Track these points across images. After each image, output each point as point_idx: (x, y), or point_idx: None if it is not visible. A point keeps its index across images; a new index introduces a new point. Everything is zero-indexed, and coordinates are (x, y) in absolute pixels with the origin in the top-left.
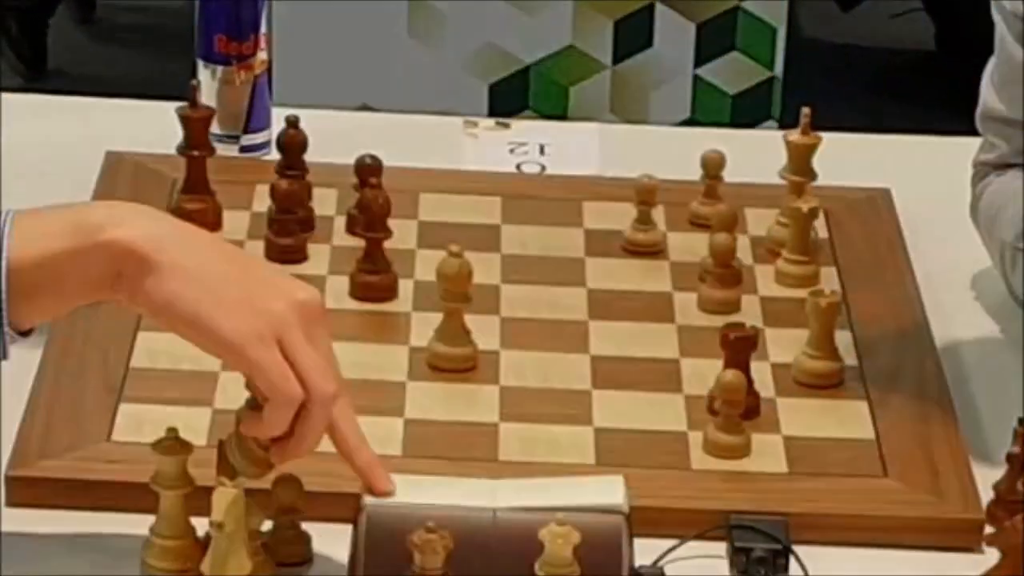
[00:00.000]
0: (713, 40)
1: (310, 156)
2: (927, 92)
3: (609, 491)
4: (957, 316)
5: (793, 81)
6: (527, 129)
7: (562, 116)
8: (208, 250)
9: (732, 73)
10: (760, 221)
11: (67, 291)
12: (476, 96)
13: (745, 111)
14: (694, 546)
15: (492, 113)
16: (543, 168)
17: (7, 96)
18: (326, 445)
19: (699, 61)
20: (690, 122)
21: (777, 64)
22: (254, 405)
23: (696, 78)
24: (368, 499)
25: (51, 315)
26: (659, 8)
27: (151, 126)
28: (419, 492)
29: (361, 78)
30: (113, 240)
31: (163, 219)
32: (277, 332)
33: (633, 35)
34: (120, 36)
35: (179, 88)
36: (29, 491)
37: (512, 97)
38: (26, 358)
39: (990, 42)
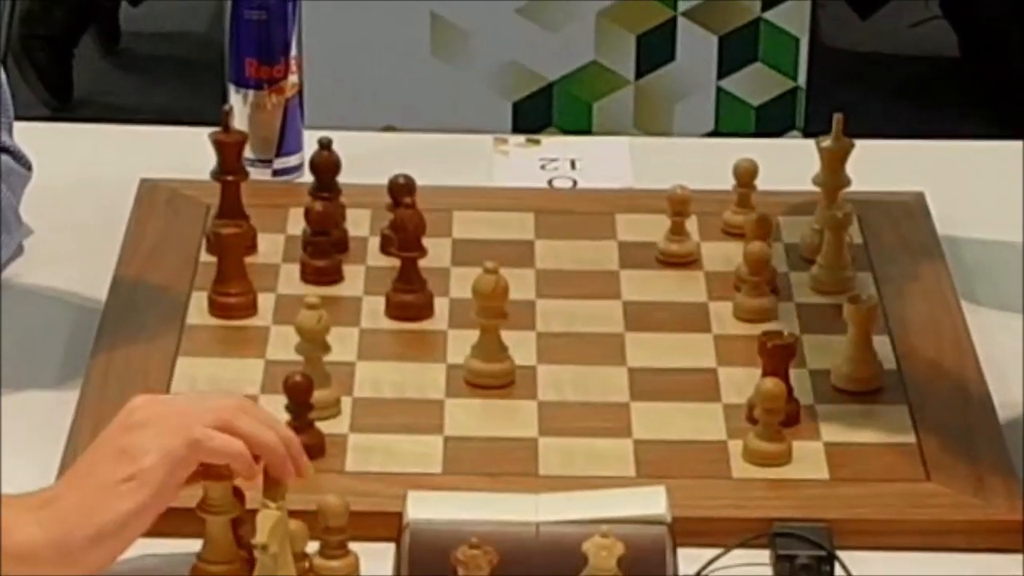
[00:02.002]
0: (735, 52)
1: (342, 178)
2: (952, 99)
3: (651, 502)
4: (995, 317)
5: (817, 91)
6: (557, 144)
7: (586, 132)
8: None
9: (755, 84)
10: (793, 228)
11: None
12: (500, 114)
13: (769, 122)
14: (738, 555)
15: (516, 131)
16: (575, 183)
17: (39, 125)
18: (367, 465)
19: (722, 73)
20: (714, 134)
21: (800, 74)
22: (295, 428)
23: (719, 90)
24: (411, 516)
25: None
26: (681, 21)
27: (183, 152)
28: (461, 508)
29: (385, 99)
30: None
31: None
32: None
33: (656, 49)
34: (145, 66)
35: (205, 116)
36: None
37: (536, 114)
38: (68, 384)
39: (1013, 49)
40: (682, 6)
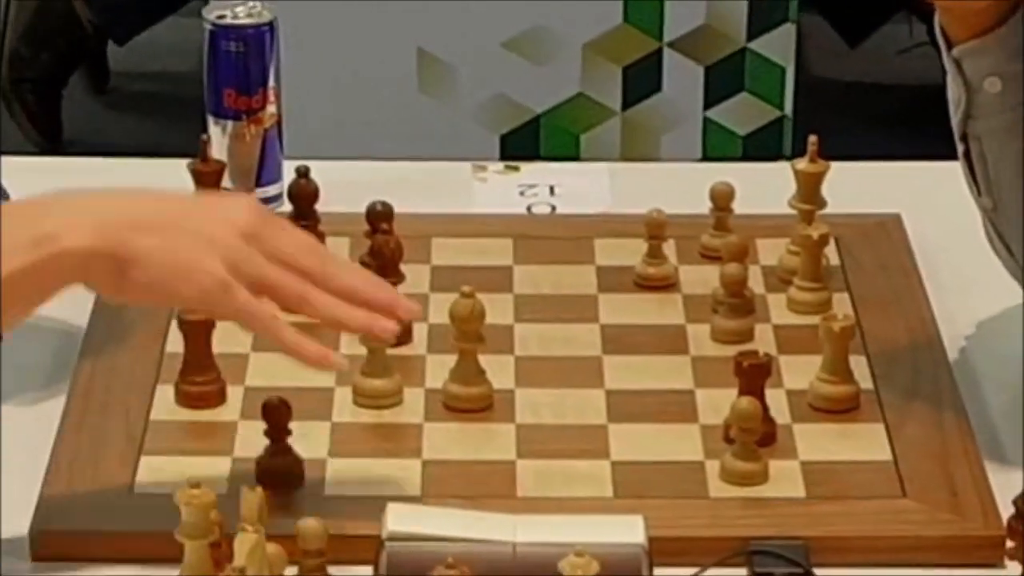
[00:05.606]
0: (721, 82)
1: (321, 206)
2: (938, 128)
3: (629, 531)
4: (971, 336)
5: (803, 119)
6: (536, 171)
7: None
8: (150, 207)
9: (742, 114)
10: (771, 250)
11: (33, 302)
12: (487, 147)
13: (756, 151)
14: (715, 573)
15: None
16: (553, 208)
17: (22, 160)
18: (346, 489)
19: (708, 103)
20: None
21: (786, 103)
22: (273, 452)
23: (706, 120)
24: (390, 529)
25: (21, 323)
26: (667, 52)
27: (164, 184)
28: (439, 523)
29: (373, 135)
30: (71, 251)
31: (111, 204)
32: (237, 268)
33: (642, 80)
34: (134, 104)
35: (193, 151)
36: (54, 544)
37: (523, 147)
38: (48, 410)
39: None
40: (668, 37)
